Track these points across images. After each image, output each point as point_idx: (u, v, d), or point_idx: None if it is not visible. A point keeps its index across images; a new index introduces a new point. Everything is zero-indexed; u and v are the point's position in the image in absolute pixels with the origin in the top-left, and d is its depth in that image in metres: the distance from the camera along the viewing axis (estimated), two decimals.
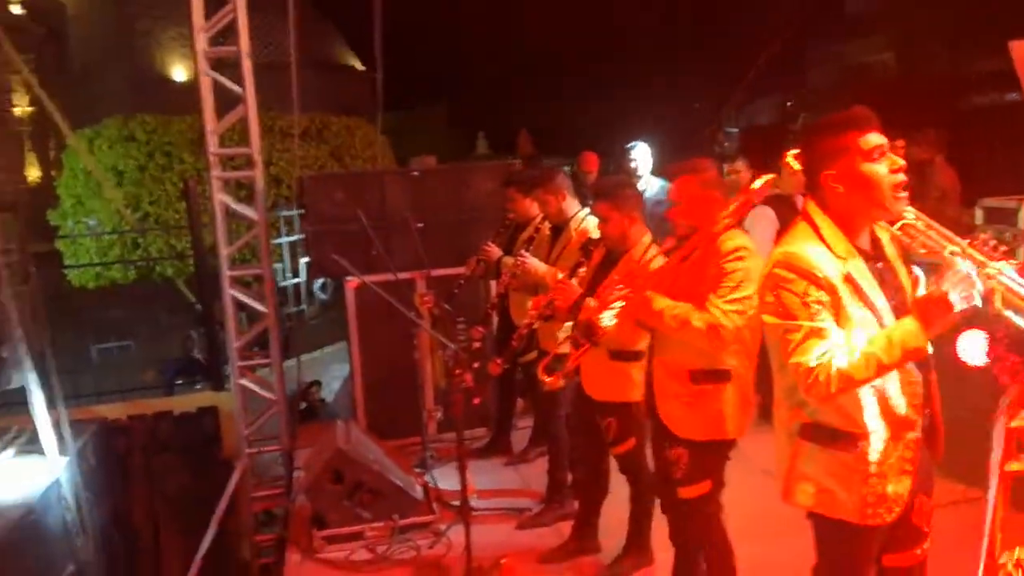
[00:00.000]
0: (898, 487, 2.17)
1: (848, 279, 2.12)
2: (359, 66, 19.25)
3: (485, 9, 20.17)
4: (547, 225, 4.62)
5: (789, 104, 16.02)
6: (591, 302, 3.22)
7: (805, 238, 2.18)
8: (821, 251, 2.13)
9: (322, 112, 9.15)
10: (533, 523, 4.49)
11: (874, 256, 2.22)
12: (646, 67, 18.01)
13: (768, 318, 2.19)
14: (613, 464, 3.88)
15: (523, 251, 4.55)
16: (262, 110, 5.55)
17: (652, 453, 3.52)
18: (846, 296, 2.10)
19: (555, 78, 19.81)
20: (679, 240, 3.07)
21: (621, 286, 3.09)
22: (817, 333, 2.07)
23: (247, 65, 5.34)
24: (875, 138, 2.14)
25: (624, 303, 3.00)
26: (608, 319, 3.03)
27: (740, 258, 2.88)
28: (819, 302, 2.08)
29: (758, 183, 2.92)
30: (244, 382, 5.51)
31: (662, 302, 2.94)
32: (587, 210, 4.35)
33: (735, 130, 16.58)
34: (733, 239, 2.93)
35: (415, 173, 5.70)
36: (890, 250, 2.27)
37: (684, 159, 3.16)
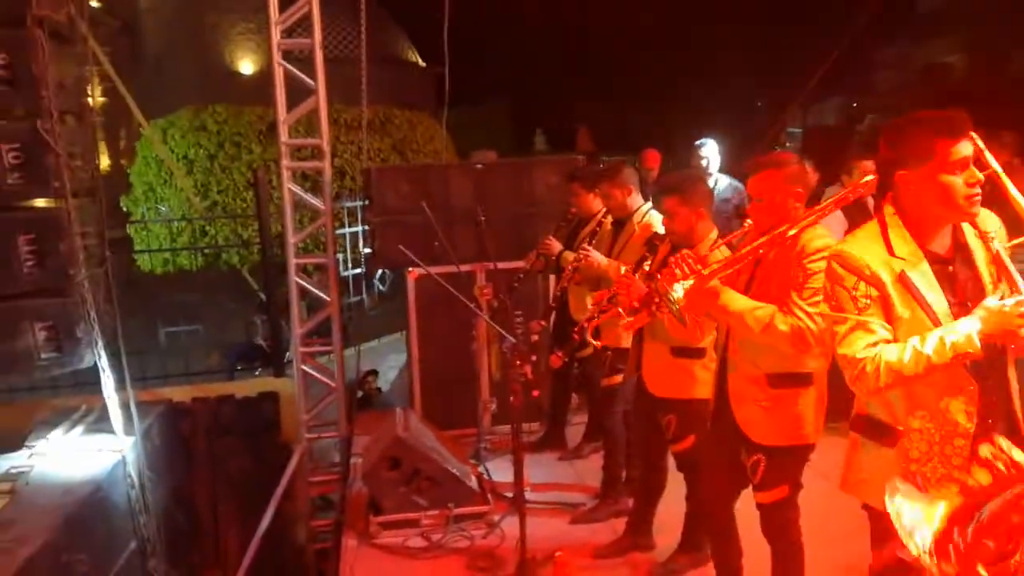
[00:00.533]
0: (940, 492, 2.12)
1: (901, 279, 2.13)
2: (420, 62, 19.44)
3: (546, 5, 20.18)
4: (609, 220, 4.61)
5: (855, 105, 15.68)
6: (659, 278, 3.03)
7: (867, 236, 2.23)
8: (878, 250, 2.17)
9: (385, 105, 9.26)
10: (587, 518, 4.50)
11: (947, 259, 2.20)
12: (709, 65, 17.80)
13: (823, 307, 2.33)
14: (670, 461, 3.87)
15: (585, 245, 4.56)
16: (328, 103, 5.66)
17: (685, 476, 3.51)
18: (895, 296, 2.13)
19: (614, 76, 19.70)
20: (759, 237, 2.94)
21: (697, 264, 2.89)
22: (863, 326, 2.14)
23: (319, 57, 5.45)
24: (964, 148, 2.12)
25: (695, 279, 2.83)
26: (679, 291, 2.82)
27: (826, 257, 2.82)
28: (868, 296, 2.15)
29: (865, 180, 2.84)
30: (305, 368, 5.61)
31: (743, 302, 2.86)
32: (649, 205, 4.34)
33: (799, 130, 16.30)
34: (820, 238, 2.84)
35: (479, 166, 5.74)
36: (979, 253, 2.22)
37: (758, 156, 3.10)
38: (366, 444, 4.95)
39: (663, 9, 19.24)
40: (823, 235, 2.86)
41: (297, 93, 5.49)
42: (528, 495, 4.64)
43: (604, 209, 4.66)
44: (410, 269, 5.39)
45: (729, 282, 2.95)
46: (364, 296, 10.36)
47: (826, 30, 15.28)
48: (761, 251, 2.87)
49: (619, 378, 4.38)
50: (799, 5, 15.51)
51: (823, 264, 2.71)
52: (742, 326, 2.85)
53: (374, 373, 6.98)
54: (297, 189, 5.57)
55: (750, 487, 3.09)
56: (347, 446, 5.68)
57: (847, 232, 5.16)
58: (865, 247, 2.19)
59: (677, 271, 2.85)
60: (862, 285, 2.16)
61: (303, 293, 5.70)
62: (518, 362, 3.70)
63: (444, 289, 4.16)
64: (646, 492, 4.11)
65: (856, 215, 5.21)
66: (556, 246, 4.79)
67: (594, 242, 4.59)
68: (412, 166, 7.46)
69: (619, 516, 4.35)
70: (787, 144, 16.90)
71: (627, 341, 4.05)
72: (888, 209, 2.23)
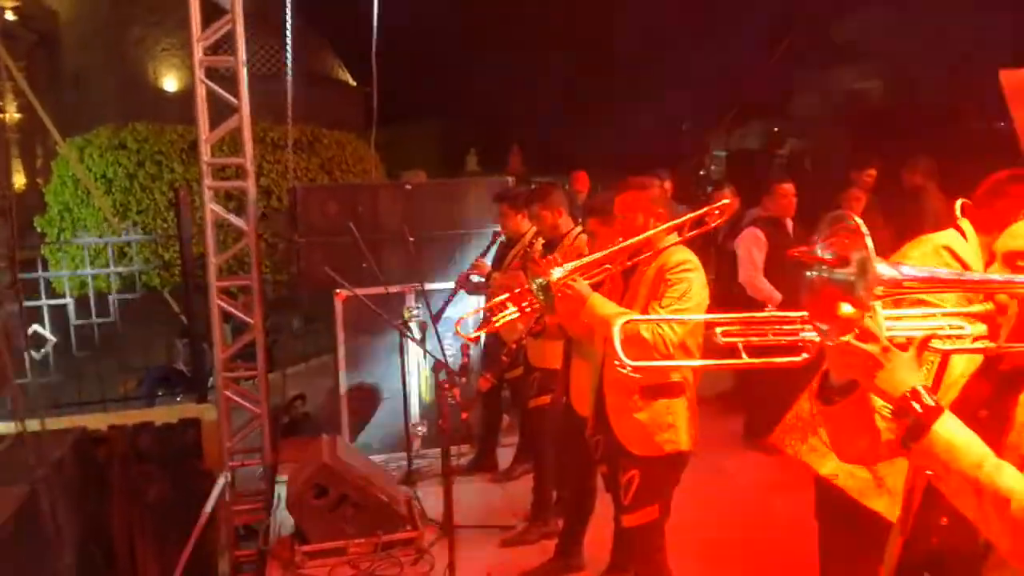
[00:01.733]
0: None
1: None
2: (352, 81, 19.30)
3: (478, 28, 20.30)
4: (540, 241, 4.62)
5: (776, 130, 16.17)
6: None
7: None
8: None
9: (313, 124, 9.14)
10: (518, 540, 4.47)
11: None
12: (637, 89, 18.14)
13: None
14: (600, 482, 3.88)
15: (516, 264, 4.56)
16: (253, 121, 5.55)
17: (603, 477, 3.55)
18: None
19: (547, 98, 19.93)
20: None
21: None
22: None
23: (243, 75, 5.33)
24: None
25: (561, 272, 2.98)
26: (559, 272, 2.99)
27: (687, 270, 2.99)
28: None
29: (721, 203, 3.19)
30: (228, 394, 5.45)
31: (611, 308, 2.97)
32: (580, 228, 4.37)
33: (723, 153, 16.72)
34: (678, 253, 3.05)
35: (408, 187, 5.70)
36: None
37: (629, 177, 3.27)
38: (292, 471, 4.82)
39: (594, 33, 19.60)
40: (681, 250, 3.07)
41: (222, 111, 5.37)
42: (458, 519, 4.61)
43: (534, 229, 4.67)
44: (337, 291, 5.29)
45: (607, 293, 3.12)
46: (295, 318, 10.18)
47: (748, 56, 15.79)
48: (608, 265, 3.08)
49: (548, 399, 4.38)
50: (723, 32, 15.96)
51: (684, 275, 2.97)
52: (608, 332, 2.89)
53: (301, 397, 6.82)
54: (219, 209, 5.43)
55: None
56: (272, 473, 5.52)
57: (768, 252, 5.33)
58: None
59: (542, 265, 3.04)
60: None
61: (227, 316, 5.54)
62: (447, 385, 3.66)
63: (373, 311, 4.11)
64: (576, 513, 4.11)
65: (775, 233, 5.37)
66: (486, 267, 4.77)
67: (524, 265, 4.60)
68: (340, 185, 7.38)
69: (550, 538, 4.33)
70: (712, 167, 17.32)
71: (556, 362, 4.06)
72: None
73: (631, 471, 3.09)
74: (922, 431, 1.45)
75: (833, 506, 2.79)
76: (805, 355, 1.68)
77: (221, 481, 5.48)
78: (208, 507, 5.29)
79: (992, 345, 1.54)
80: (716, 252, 6.30)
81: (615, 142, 16.17)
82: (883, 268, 1.37)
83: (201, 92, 5.27)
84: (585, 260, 3.13)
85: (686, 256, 3.04)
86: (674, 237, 3.18)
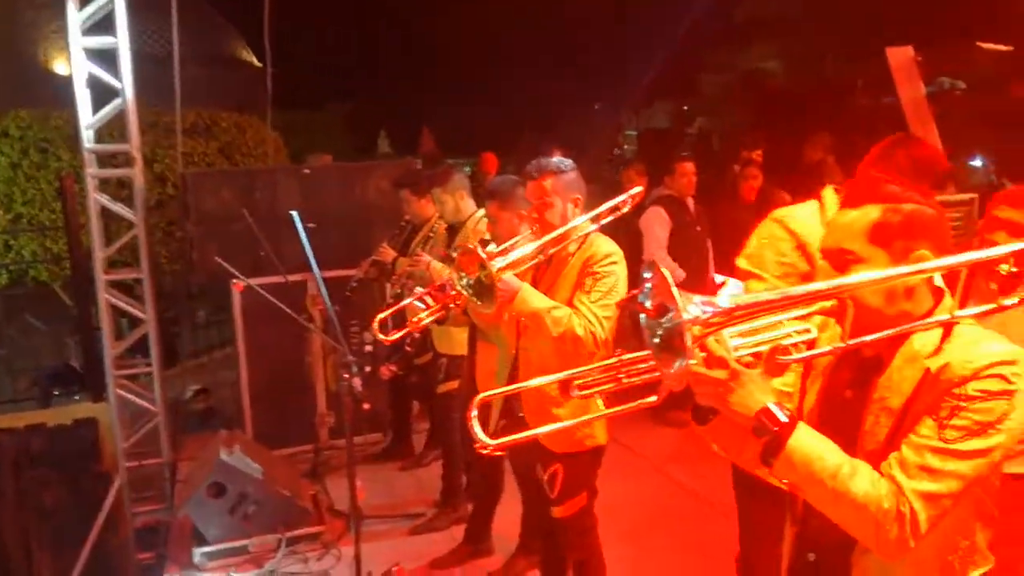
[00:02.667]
0: None
1: None
2: (256, 62, 18.68)
3: (391, 7, 19.92)
4: (443, 224, 4.54)
5: (685, 108, 16.43)
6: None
7: None
8: None
9: (213, 108, 8.78)
10: (427, 528, 4.43)
11: None
12: (550, 68, 18.17)
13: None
14: (508, 466, 3.84)
15: (419, 251, 4.47)
16: (144, 105, 5.27)
17: (515, 472, 3.49)
18: None
19: (459, 78, 19.75)
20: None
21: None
22: None
23: (125, 57, 5.05)
24: None
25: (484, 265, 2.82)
26: (502, 262, 2.84)
27: (613, 263, 2.87)
28: None
29: (633, 191, 3.03)
30: (120, 392, 5.20)
31: (543, 301, 2.84)
32: (483, 211, 4.30)
33: (634, 132, 16.92)
34: (604, 244, 2.92)
35: (306, 171, 5.52)
36: None
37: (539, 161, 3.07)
38: (188, 470, 4.64)
39: (506, 13, 19.49)
40: (605, 240, 2.94)
41: (112, 95, 5.07)
42: (366, 509, 4.52)
43: (438, 213, 4.59)
44: (234, 281, 5.09)
45: None
46: (201, 309, 9.79)
47: (656, 37, 15.96)
48: (538, 256, 2.94)
49: (455, 384, 4.32)
50: (630, 13, 16.09)
51: (612, 268, 2.85)
52: (539, 326, 2.82)
53: (205, 391, 6.57)
54: (106, 199, 5.14)
55: None
56: (172, 472, 5.31)
57: (672, 230, 5.38)
58: None
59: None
60: None
61: (121, 310, 5.27)
62: (346, 375, 3.55)
63: (270, 301, 3.95)
64: (484, 497, 4.08)
65: (678, 212, 5.42)
66: (390, 253, 4.66)
67: (429, 248, 4.51)
68: (234, 171, 7.10)
69: (460, 524, 4.30)
70: (625, 146, 17.52)
71: (463, 348, 4.00)
72: None
73: (553, 466, 3.00)
74: (779, 447, 1.50)
75: (748, 477, 2.82)
76: (654, 397, 1.67)
77: (117, 483, 5.25)
78: (104, 510, 5.06)
79: (841, 344, 1.56)
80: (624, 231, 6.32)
81: (528, 123, 16.15)
82: (692, 310, 1.41)
83: (79, 76, 4.97)
84: (520, 252, 2.94)
85: (613, 248, 2.92)
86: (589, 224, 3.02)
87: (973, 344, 1.54)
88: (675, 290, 1.42)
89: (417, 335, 3.93)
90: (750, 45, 14.21)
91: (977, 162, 9.93)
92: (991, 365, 1.49)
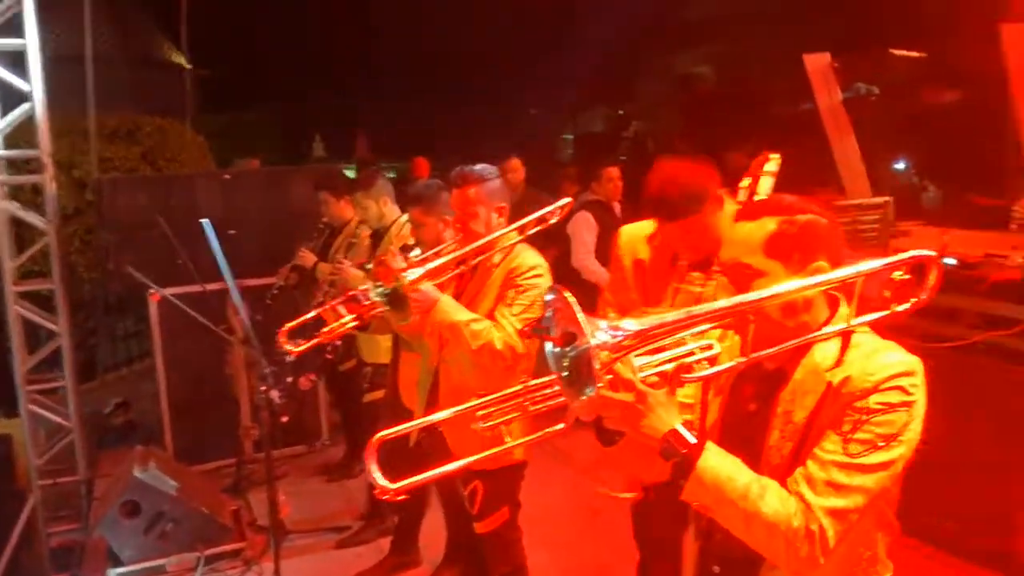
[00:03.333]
0: None
1: None
2: (186, 64, 18.23)
3: (326, 11, 19.63)
4: (366, 230, 4.46)
5: (621, 112, 16.57)
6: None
7: None
8: None
9: (136, 112, 8.50)
10: (353, 541, 4.34)
11: None
12: (487, 73, 18.13)
13: None
14: None
15: (340, 257, 4.39)
16: (61, 108, 5.08)
17: (436, 486, 3.43)
18: None
19: (396, 83, 19.56)
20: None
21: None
22: None
23: (35, 60, 4.85)
24: None
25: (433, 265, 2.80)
26: (414, 273, 2.76)
27: (537, 275, 2.82)
28: None
29: (562, 202, 2.94)
30: (34, 407, 4.99)
31: (463, 313, 2.79)
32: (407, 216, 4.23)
33: (571, 137, 17.00)
34: (529, 256, 2.86)
35: (227, 176, 5.37)
36: None
37: (462, 169, 2.98)
38: (103, 488, 4.47)
39: (443, 17, 19.40)
40: (531, 252, 2.89)
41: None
42: (292, 523, 4.41)
43: (358, 218, 4.51)
44: (151, 290, 4.93)
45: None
46: (124, 320, 9.45)
47: (592, 42, 16.06)
48: (460, 265, 2.87)
49: (381, 394, 4.24)
50: (565, 19, 16.17)
51: (536, 281, 2.80)
52: (458, 338, 2.77)
53: (125, 405, 6.35)
54: (15, 207, 4.92)
55: None
56: (89, 490, 5.10)
57: (599, 234, 5.39)
58: None
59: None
60: None
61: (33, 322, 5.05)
62: (263, 387, 3.45)
63: (184, 312, 3.83)
64: (410, 509, 4.00)
65: (604, 216, 5.43)
66: (310, 258, 4.56)
67: (351, 255, 4.43)
68: (151, 176, 6.89)
69: (387, 536, 4.21)
70: (562, 150, 17.60)
71: (388, 355, 3.93)
72: None
73: (473, 482, 2.95)
74: (688, 469, 1.49)
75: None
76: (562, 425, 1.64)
77: (31, 501, 5.03)
78: (17, 530, 4.84)
79: (743, 359, 1.56)
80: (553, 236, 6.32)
81: (464, 128, 16.09)
82: (600, 336, 1.39)
83: None
84: (439, 262, 2.88)
85: (538, 260, 2.87)
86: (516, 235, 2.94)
87: (872, 355, 1.55)
88: (581, 316, 1.39)
89: (339, 343, 3.83)
90: (684, 50, 14.40)
91: (900, 165, 10.24)
92: (891, 377, 1.50)
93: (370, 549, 4.21)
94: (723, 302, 1.54)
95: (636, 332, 1.43)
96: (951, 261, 4.17)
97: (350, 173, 7.43)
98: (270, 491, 3.58)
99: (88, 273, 6.85)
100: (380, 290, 2.81)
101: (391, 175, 5.96)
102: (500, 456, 2.84)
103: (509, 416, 1.75)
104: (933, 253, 1.58)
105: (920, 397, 1.52)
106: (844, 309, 1.62)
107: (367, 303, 2.99)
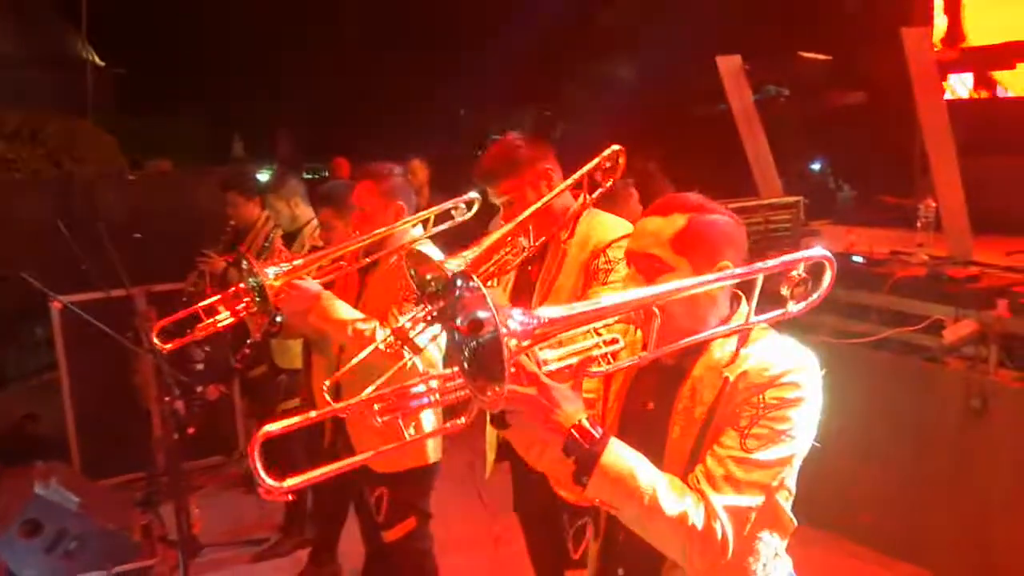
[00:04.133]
0: None
1: None
2: (99, 62, 17.59)
3: (249, 10, 19.17)
4: (279, 232, 4.35)
5: (548, 114, 16.64)
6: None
7: None
8: None
9: (44, 111, 8.13)
10: (271, 554, 4.25)
11: None
12: (413, 75, 17.99)
13: None
14: None
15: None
16: None
17: (353, 498, 3.36)
18: None
19: (319, 82, 19.24)
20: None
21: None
22: None
23: None
24: None
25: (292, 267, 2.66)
26: (272, 274, 2.63)
27: None
28: None
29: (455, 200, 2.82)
30: None
31: (347, 311, 2.70)
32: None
33: (498, 137, 16.95)
34: (425, 250, 2.73)
35: (131, 178, 5.17)
36: None
37: (364, 165, 2.96)
38: (1, 506, 4.23)
39: (368, 15, 19.18)
40: (433, 250, 2.79)
41: None
42: (207, 537, 4.27)
43: (266, 216, 4.39)
44: (53, 298, 4.70)
45: (340, 292, 2.83)
46: (38, 327, 9.01)
47: (519, 43, 16.09)
48: (344, 262, 2.80)
49: (297, 402, 4.13)
50: (491, 19, 16.16)
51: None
52: (343, 338, 2.70)
53: (32, 417, 6.05)
54: None
55: None
56: None
57: None
58: None
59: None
60: None
61: None
62: (167, 398, 3.32)
63: (100, 318, 3.66)
64: (329, 520, 3.93)
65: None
66: (219, 262, 4.42)
67: (263, 258, 4.30)
68: (52, 179, 6.61)
69: (305, 547, 4.13)
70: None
71: (299, 361, 3.82)
72: None
73: (378, 489, 2.87)
74: (592, 464, 1.44)
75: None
76: (463, 419, 1.57)
77: None
78: None
79: (647, 355, 1.53)
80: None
81: (393, 128, 15.91)
82: (512, 325, 1.33)
83: None
84: (309, 258, 2.80)
85: (433, 256, 2.74)
86: (420, 231, 2.86)
87: (767, 351, 1.56)
88: (491, 302, 1.32)
89: (248, 350, 3.70)
90: (608, 52, 14.54)
91: (816, 165, 10.53)
92: (785, 372, 1.52)
93: (288, 561, 4.12)
94: (632, 293, 1.53)
95: (549, 320, 1.38)
96: (858, 259, 4.29)
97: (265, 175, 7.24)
98: (178, 504, 3.46)
99: None
100: (251, 282, 2.65)
101: (310, 176, 5.80)
102: (407, 458, 2.81)
103: (410, 412, 1.67)
104: (829, 253, 1.61)
105: (815, 391, 1.54)
106: (744, 307, 1.63)
107: (247, 300, 2.82)
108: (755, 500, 1.47)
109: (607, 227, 2.48)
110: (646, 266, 1.61)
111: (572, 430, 1.44)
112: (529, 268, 2.56)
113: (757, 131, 5.06)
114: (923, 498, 3.85)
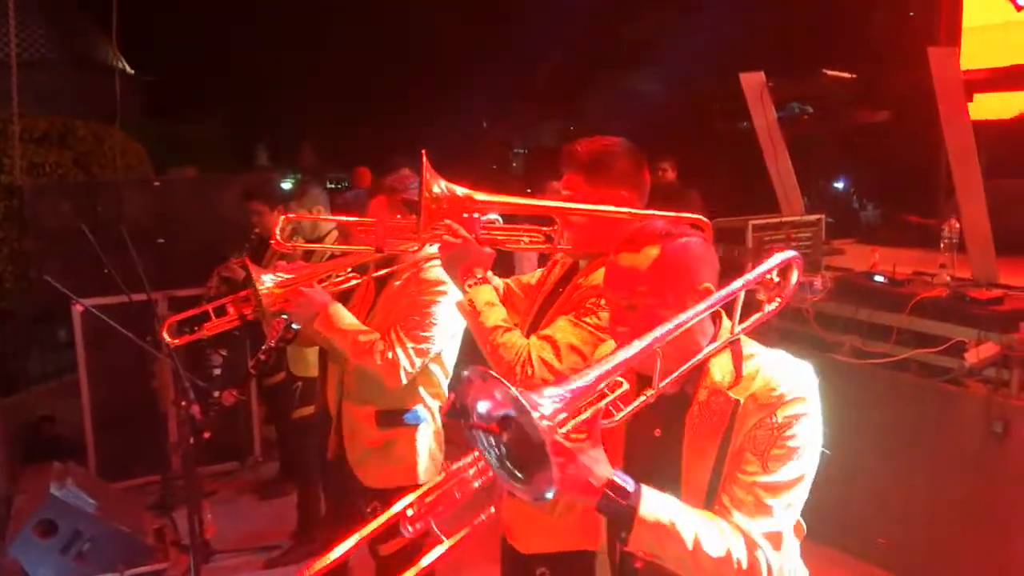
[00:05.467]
0: None
1: None
2: (129, 69, 17.86)
3: (276, 20, 19.41)
4: (301, 241, 4.37)
5: (572, 128, 16.66)
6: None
7: None
8: None
9: (70, 115, 8.23)
10: (283, 561, 4.23)
11: None
12: (439, 83, 18.10)
13: None
14: None
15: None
16: None
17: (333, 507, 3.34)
18: None
19: (345, 91, 19.40)
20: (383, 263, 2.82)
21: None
22: None
23: None
24: None
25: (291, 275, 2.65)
26: (269, 281, 2.62)
27: (442, 292, 2.68)
28: None
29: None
30: None
31: (350, 321, 2.68)
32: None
33: (523, 151, 17.04)
34: (436, 271, 2.70)
35: (156, 183, 5.23)
36: None
37: (381, 178, 2.90)
38: (16, 507, 4.28)
39: (393, 28, 19.32)
40: (436, 266, 2.73)
41: None
42: (220, 543, 4.29)
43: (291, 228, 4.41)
44: (75, 301, 4.76)
45: (357, 303, 2.84)
46: (61, 330, 9.11)
47: (544, 56, 16.17)
48: (350, 271, 2.78)
49: (311, 409, 4.14)
50: (519, 31, 16.23)
51: (437, 298, 2.67)
52: (344, 347, 2.66)
53: (50, 419, 6.12)
54: None
55: None
56: (8, 507, 4.89)
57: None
58: None
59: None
60: None
61: None
62: (183, 402, 3.33)
63: (121, 322, 3.71)
64: (340, 526, 3.91)
65: None
66: (239, 270, 4.45)
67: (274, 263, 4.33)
68: (78, 183, 6.69)
69: (316, 555, 4.09)
70: (514, 164, 17.62)
71: (315, 369, 3.84)
72: None
73: (373, 502, 2.81)
74: (631, 519, 1.42)
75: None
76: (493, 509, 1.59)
77: None
78: None
79: (653, 392, 1.51)
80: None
81: (415, 139, 16.00)
82: (545, 409, 1.28)
83: None
84: (316, 268, 2.80)
85: (443, 277, 2.66)
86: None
87: (769, 368, 1.56)
88: (515, 392, 1.26)
89: (263, 356, 3.72)
90: (633, 68, 14.57)
91: (840, 184, 10.46)
92: (791, 389, 1.52)
93: (300, 569, 4.09)
94: (638, 344, 1.46)
95: (572, 399, 1.35)
96: (880, 279, 4.24)
97: (288, 184, 7.30)
98: (191, 509, 3.47)
99: (16, 283, 6.60)
100: (261, 297, 2.62)
101: (333, 186, 5.84)
102: (397, 477, 2.74)
103: (436, 511, 1.61)
104: (794, 254, 1.67)
105: (816, 400, 1.55)
106: (727, 321, 1.63)
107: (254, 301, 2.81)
108: (787, 520, 1.50)
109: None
110: (631, 304, 1.58)
111: (606, 490, 1.41)
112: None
113: (780, 148, 5.04)
114: (943, 521, 3.79)
